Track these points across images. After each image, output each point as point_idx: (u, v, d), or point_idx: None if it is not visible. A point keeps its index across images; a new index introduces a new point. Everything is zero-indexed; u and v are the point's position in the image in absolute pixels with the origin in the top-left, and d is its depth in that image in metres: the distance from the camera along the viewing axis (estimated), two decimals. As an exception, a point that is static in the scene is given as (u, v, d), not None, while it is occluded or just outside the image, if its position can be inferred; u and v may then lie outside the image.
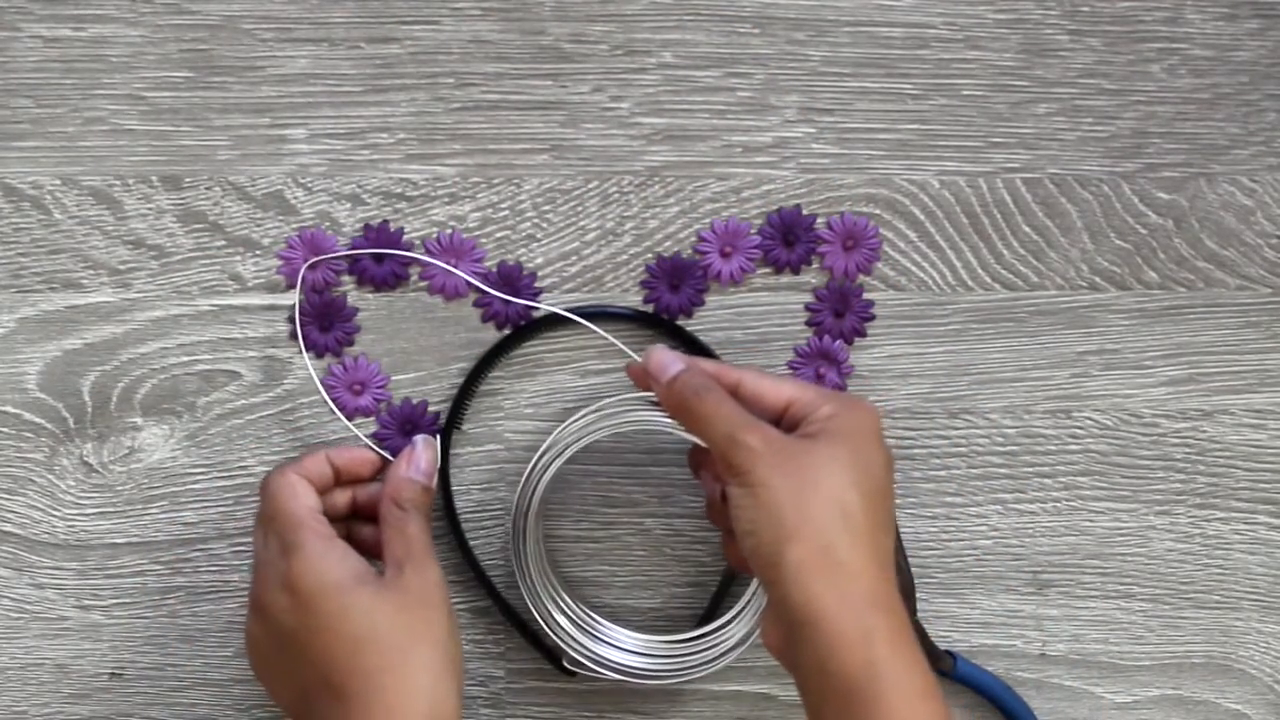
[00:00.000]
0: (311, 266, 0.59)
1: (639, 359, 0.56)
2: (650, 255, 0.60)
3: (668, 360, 0.53)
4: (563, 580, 0.59)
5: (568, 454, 0.56)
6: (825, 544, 0.47)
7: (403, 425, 0.60)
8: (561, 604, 0.58)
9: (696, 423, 0.51)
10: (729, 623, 0.58)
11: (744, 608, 0.58)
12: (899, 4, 0.60)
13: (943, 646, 0.62)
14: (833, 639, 0.46)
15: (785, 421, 0.52)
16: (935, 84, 0.60)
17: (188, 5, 0.58)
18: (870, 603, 0.47)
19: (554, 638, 0.58)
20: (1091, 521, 0.63)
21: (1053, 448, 0.62)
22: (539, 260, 0.60)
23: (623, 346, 0.58)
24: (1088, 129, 0.61)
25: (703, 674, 0.58)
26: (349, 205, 0.59)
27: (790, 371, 0.61)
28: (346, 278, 0.60)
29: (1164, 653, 0.63)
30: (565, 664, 0.59)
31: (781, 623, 0.48)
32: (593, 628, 0.59)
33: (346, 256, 0.59)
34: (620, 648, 0.59)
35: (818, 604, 0.46)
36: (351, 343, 0.60)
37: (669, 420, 0.54)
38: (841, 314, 0.61)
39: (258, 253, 0.60)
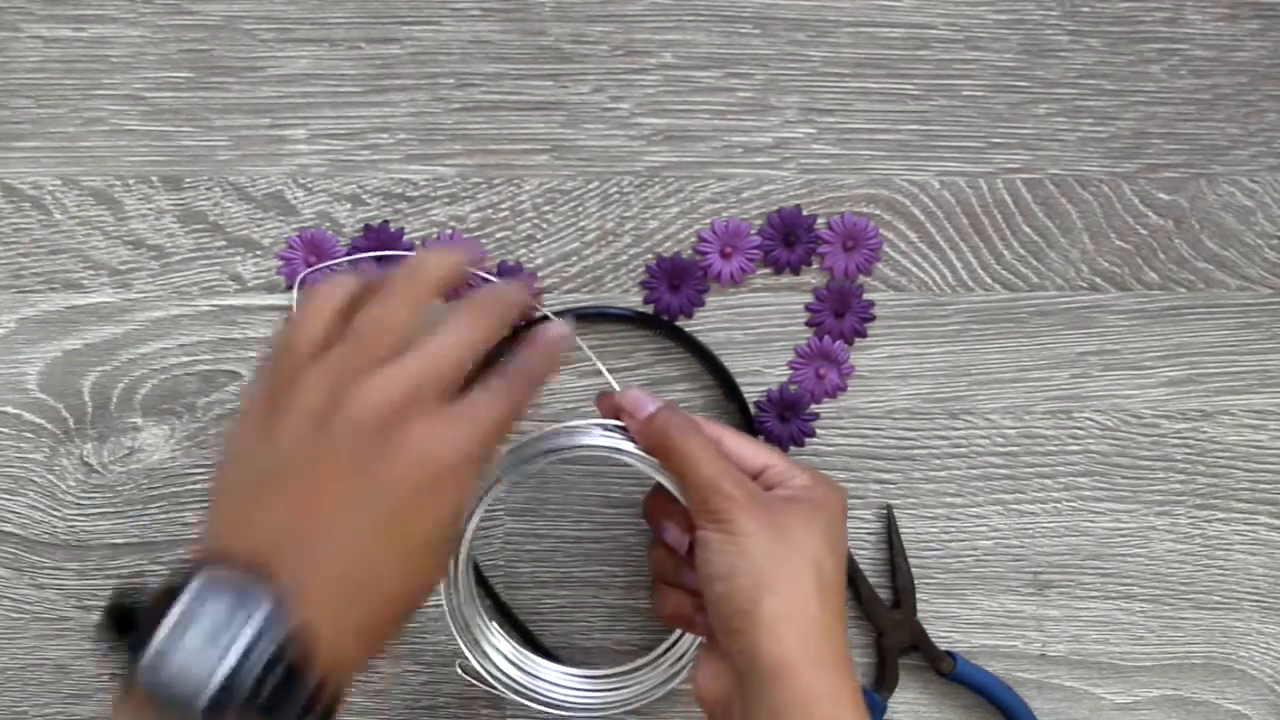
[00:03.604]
0: (312, 269, 0.59)
1: (618, 387, 0.54)
2: (650, 255, 0.60)
3: (644, 398, 0.53)
4: (494, 615, 0.58)
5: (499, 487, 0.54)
6: (803, 600, 0.47)
7: (403, 425, 0.60)
8: (492, 640, 0.57)
9: (679, 461, 0.50)
10: (650, 664, 0.58)
11: (666, 651, 0.58)
12: (899, 4, 0.60)
13: (943, 647, 0.62)
14: (800, 694, 0.46)
15: (759, 484, 0.52)
16: (935, 84, 0.60)
17: (188, 5, 0.58)
18: (837, 663, 0.47)
19: (483, 671, 0.57)
20: (1092, 522, 0.63)
21: (1053, 448, 0.62)
22: (539, 260, 0.60)
23: (606, 373, 0.58)
24: (1088, 129, 0.61)
25: (628, 708, 0.58)
26: (349, 206, 0.59)
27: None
28: (346, 278, 0.60)
29: (1164, 653, 0.63)
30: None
31: (730, 673, 0.48)
32: (524, 663, 0.58)
33: (347, 258, 0.59)
34: (550, 681, 0.58)
35: (792, 657, 0.46)
36: (351, 343, 0.60)
37: (614, 445, 0.53)
38: (841, 314, 0.61)
39: (258, 253, 0.60)
